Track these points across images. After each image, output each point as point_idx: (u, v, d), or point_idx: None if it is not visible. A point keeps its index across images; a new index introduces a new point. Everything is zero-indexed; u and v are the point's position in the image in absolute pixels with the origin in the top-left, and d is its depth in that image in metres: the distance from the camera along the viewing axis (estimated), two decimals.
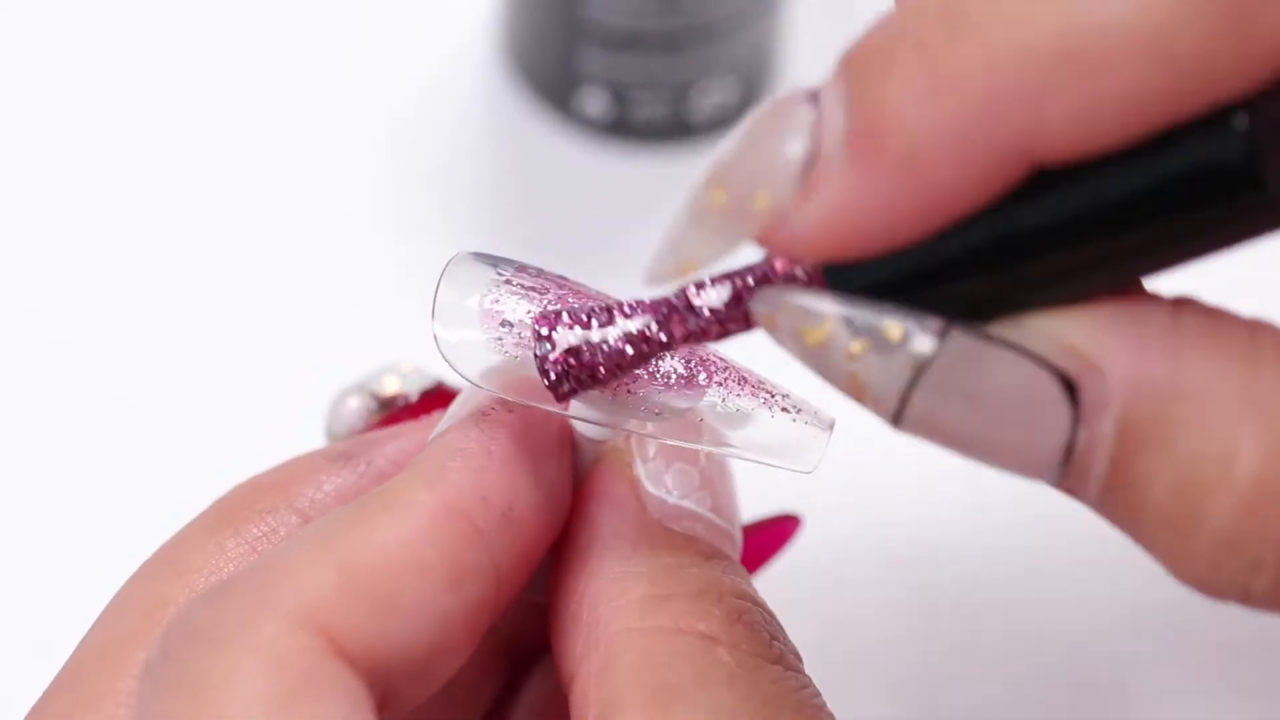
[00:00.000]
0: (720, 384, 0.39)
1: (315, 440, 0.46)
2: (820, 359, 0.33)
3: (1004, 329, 0.33)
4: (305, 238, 0.68)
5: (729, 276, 0.36)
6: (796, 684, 0.37)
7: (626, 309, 0.37)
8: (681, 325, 0.36)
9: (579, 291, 0.39)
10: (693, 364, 0.39)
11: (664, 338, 0.36)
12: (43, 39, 0.72)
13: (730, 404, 0.39)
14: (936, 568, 0.60)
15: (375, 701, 0.35)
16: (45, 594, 0.59)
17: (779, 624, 0.38)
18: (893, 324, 0.33)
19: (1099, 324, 0.32)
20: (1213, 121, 0.31)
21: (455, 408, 0.40)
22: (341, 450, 0.42)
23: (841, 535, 0.60)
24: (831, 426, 0.39)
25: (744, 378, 0.39)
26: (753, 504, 0.45)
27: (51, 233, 0.67)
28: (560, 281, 0.39)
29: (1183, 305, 0.33)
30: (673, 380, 0.38)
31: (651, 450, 0.40)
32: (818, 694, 0.37)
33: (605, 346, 0.37)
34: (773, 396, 0.39)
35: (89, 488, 0.61)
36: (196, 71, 0.72)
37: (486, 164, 0.70)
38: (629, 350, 0.37)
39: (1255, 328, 0.32)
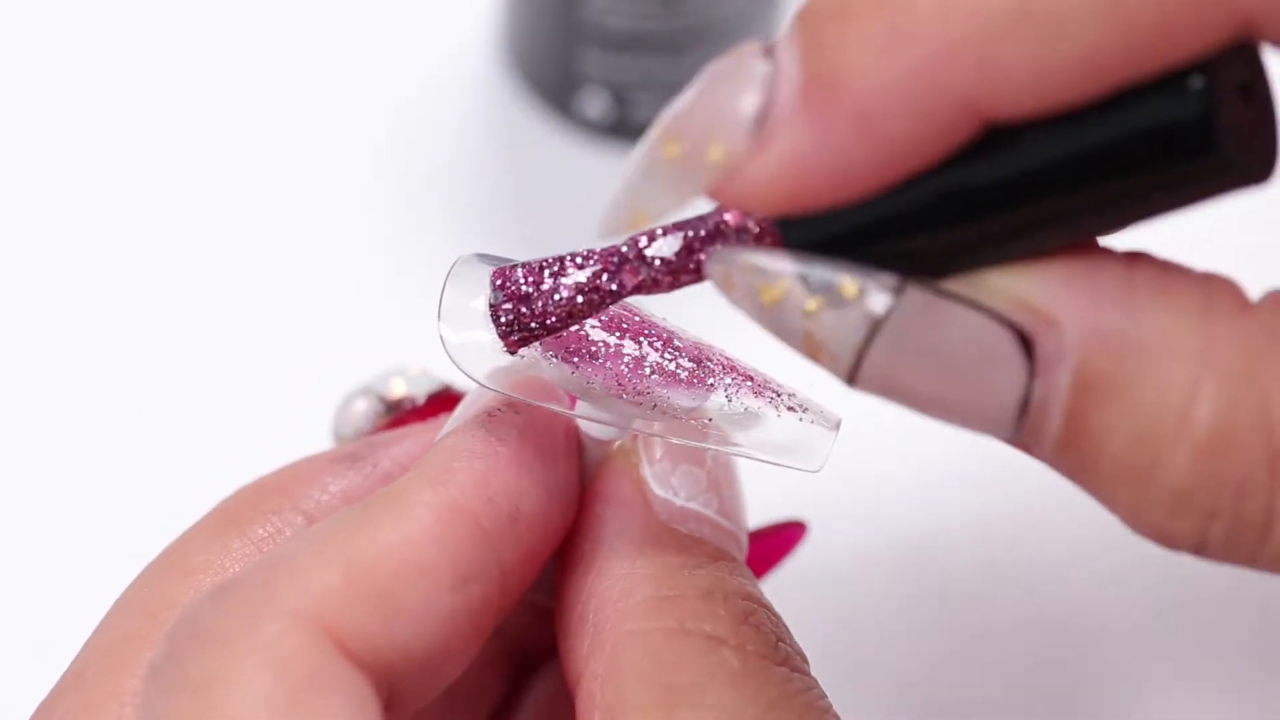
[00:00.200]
0: (727, 383, 0.39)
1: (318, 440, 0.46)
2: (775, 317, 0.34)
3: (959, 285, 0.33)
4: (305, 238, 0.67)
5: (680, 227, 0.36)
6: (802, 685, 0.37)
7: (578, 259, 0.37)
8: (633, 275, 0.36)
9: None
10: (700, 363, 0.39)
11: (614, 287, 0.37)
12: (42, 39, 0.72)
13: (737, 403, 0.39)
14: (940, 568, 0.60)
15: (381, 701, 0.35)
16: (49, 595, 0.59)
17: (785, 625, 0.38)
18: (848, 280, 0.33)
19: (1053, 278, 0.33)
20: (1169, 83, 0.31)
21: (461, 409, 0.40)
22: (347, 452, 0.42)
23: (845, 536, 0.60)
24: (838, 426, 0.39)
25: (750, 377, 0.39)
26: (759, 506, 0.45)
27: (49, 233, 0.67)
28: None
29: (1136, 259, 0.33)
30: (680, 380, 0.38)
31: (658, 452, 0.40)
32: (823, 695, 0.37)
33: (556, 295, 0.37)
34: (779, 396, 0.39)
35: (93, 489, 0.61)
36: (196, 71, 0.71)
37: (487, 165, 0.70)
38: (579, 299, 0.37)
39: (1208, 280, 0.33)
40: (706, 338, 0.46)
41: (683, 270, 0.36)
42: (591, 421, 0.39)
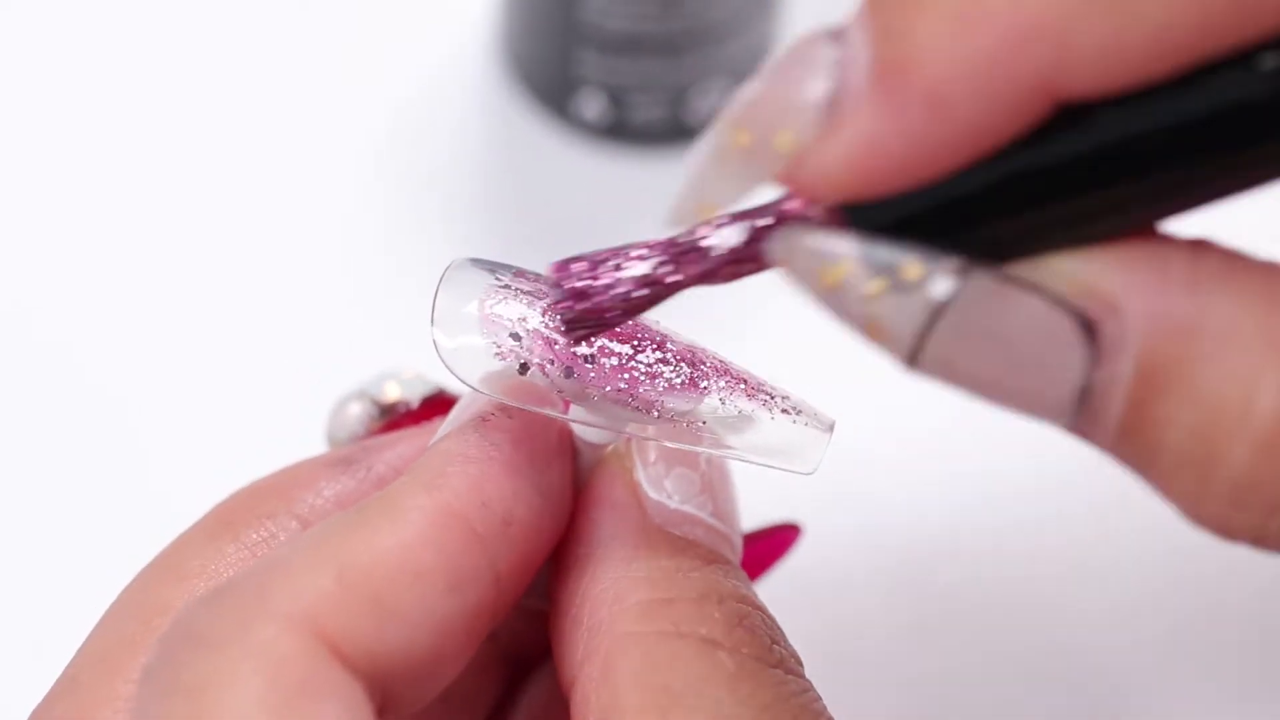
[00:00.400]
0: (721, 386, 0.39)
1: (314, 443, 0.46)
2: (836, 300, 0.33)
3: (1023, 269, 0.33)
4: (303, 240, 0.68)
5: (741, 216, 0.35)
6: (797, 687, 0.37)
7: (639, 251, 0.36)
8: (694, 265, 0.36)
9: None
10: (694, 367, 0.39)
11: (676, 279, 0.36)
12: (43, 39, 0.72)
13: (730, 406, 0.39)
14: (937, 570, 0.60)
15: (374, 706, 0.34)
16: (44, 597, 0.59)
17: (779, 628, 0.38)
18: (911, 263, 0.33)
19: (1118, 264, 0.32)
20: (1240, 62, 0.31)
21: (455, 413, 0.40)
22: (341, 456, 0.42)
23: (840, 538, 0.60)
24: (831, 428, 0.39)
25: (744, 380, 0.39)
26: (753, 508, 0.45)
27: (49, 233, 0.67)
28: None
29: (1201, 247, 0.32)
30: (674, 383, 0.38)
31: (652, 454, 0.40)
32: (818, 698, 0.37)
33: (615, 290, 0.36)
34: (773, 398, 0.39)
35: (92, 490, 0.61)
36: (196, 71, 0.72)
37: (485, 167, 0.70)
38: (640, 293, 0.36)
39: (1273, 269, 0.32)
40: (700, 340, 0.46)
41: (744, 259, 0.35)
42: (585, 425, 0.39)
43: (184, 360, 0.64)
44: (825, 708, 0.37)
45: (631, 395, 0.38)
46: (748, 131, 0.34)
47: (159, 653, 0.35)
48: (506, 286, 0.38)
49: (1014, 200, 0.33)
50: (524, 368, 0.38)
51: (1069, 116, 0.32)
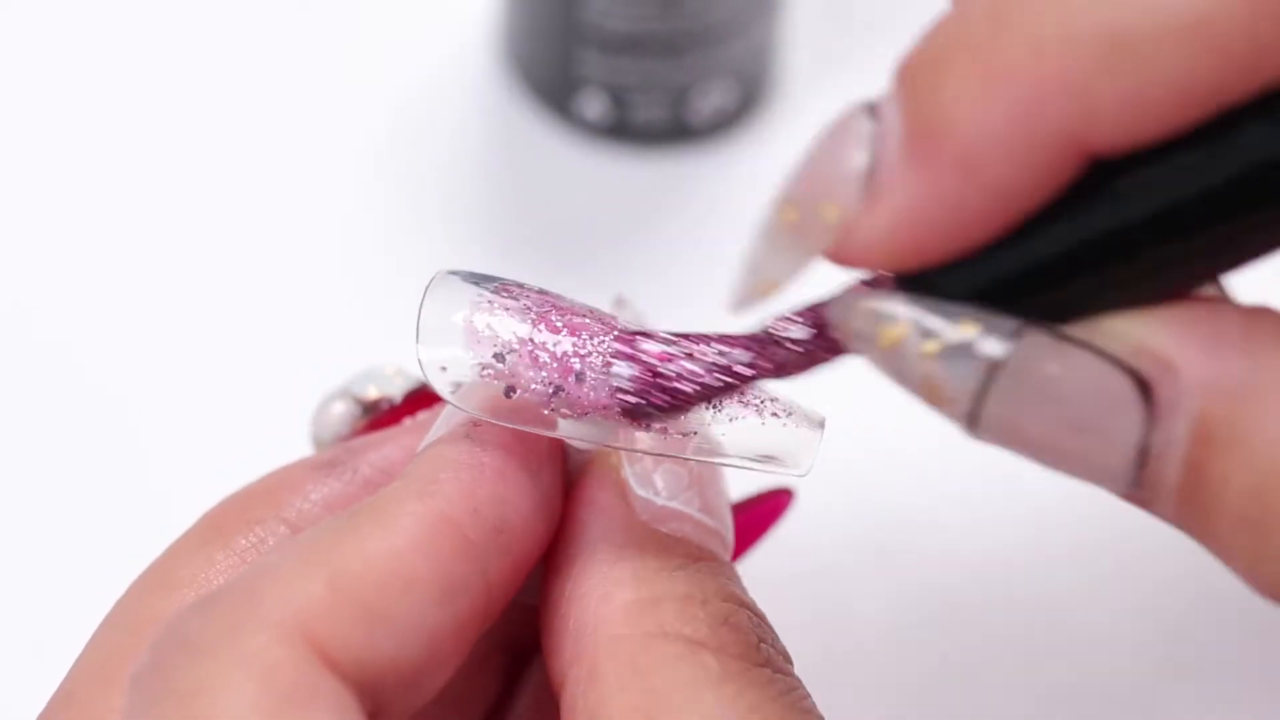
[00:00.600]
0: (709, 389, 0.38)
1: (311, 444, 0.46)
2: (894, 361, 0.34)
3: (1077, 330, 0.33)
4: (303, 240, 0.68)
5: (812, 309, 0.36)
6: (785, 686, 0.36)
7: (712, 346, 0.37)
8: (768, 360, 0.37)
9: (562, 307, 0.38)
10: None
11: (749, 373, 0.37)
12: (43, 39, 0.72)
13: (721, 414, 0.38)
14: (935, 567, 0.60)
15: (365, 713, 0.34)
16: (34, 600, 0.59)
17: (768, 626, 0.38)
18: (967, 324, 0.33)
19: (1173, 324, 0.32)
20: (1268, 112, 0.31)
21: (446, 416, 0.40)
22: (327, 459, 0.41)
23: (839, 533, 0.60)
24: (822, 425, 0.39)
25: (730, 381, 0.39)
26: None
27: (47, 232, 0.67)
28: (543, 298, 0.39)
29: (1258, 312, 0.33)
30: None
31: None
32: (807, 695, 0.37)
33: (688, 385, 0.37)
34: (763, 402, 0.39)
35: (91, 489, 0.61)
36: (195, 71, 0.72)
37: (485, 166, 0.70)
38: (712, 384, 0.37)
39: None
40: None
41: (818, 350, 0.36)
42: (576, 440, 0.39)
43: (184, 361, 0.64)
44: (814, 705, 0.37)
45: (621, 413, 0.38)
46: (796, 208, 0.34)
47: (150, 658, 0.35)
48: (490, 302, 0.38)
49: (1061, 265, 0.33)
50: (510, 390, 0.38)
51: (1104, 172, 0.32)
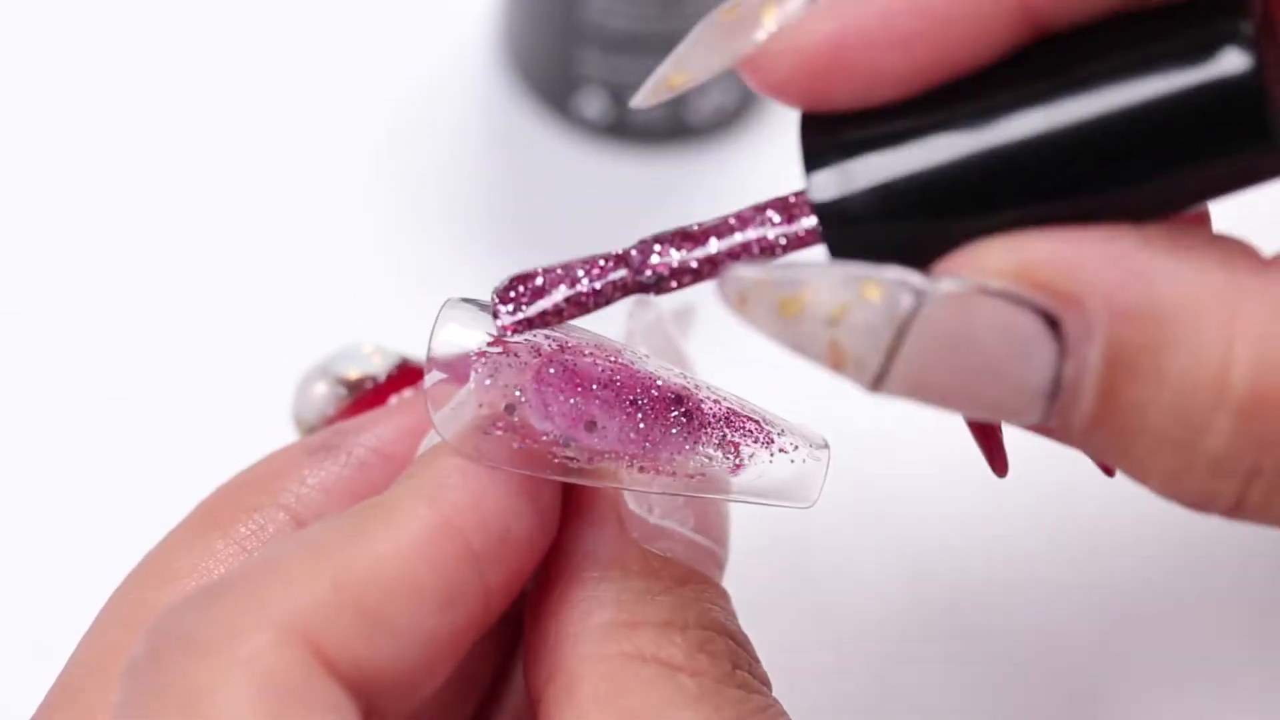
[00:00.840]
0: (716, 436, 0.38)
1: (294, 425, 0.46)
2: (797, 331, 0.33)
3: (979, 268, 0.33)
4: (304, 239, 0.68)
5: (686, 231, 0.36)
6: (761, 704, 0.37)
7: (585, 267, 0.37)
8: (641, 279, 0.36)
9: (568, 359, 0.38)
10: (690, 418, 0.38)
11: (622, 287, 0.37)
12: (43, 39, 0.72)
13: (728, 453, 0.38)
14: (935, 570, 0.60)
15: (360, 716, 0.34)
16: (42, 596, 0.59)
17: (748, 651, 0.38)
18: (871, 284, 0.33)
19: (1073, 255, 0.32)
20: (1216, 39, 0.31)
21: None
22: (320, 442, 0.41)
23: (841, 538, 0.60)
24: (827, 455, 0.39)
25: (737, 418, 0.38)
26: (751, 514, 0.45)
27: (49, 231, 0.67)
28: (549, 339, 0.38)
29: (1157, 231, 0.32)
30: (672, 439, 0.38)
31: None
32: (783, 713, 0.37)
33: (560, 303, 0.37)
34: (768, 436, 0.38)
35: (91, 488, 0.61)
36: (196, 71, 0.72)
37: (485, 165, 0.70)
38: (584, 301, 0.37)
39: (1224, 241, 0.32)
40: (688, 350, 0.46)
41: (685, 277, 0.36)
42: (585, 483, 0.39)
43: (184, 361, 0.64)
44: None
45: (634, 457, 0.38)
46: (736, 8, 0.34)
47: (147, 652, 0.35)
48: (500, 352, 0.38)
49: (967, 168, 0.32)
50: (521, 443, 0.37)
51: (1045, 52, 0.32)
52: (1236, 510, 0.33)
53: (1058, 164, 0.32)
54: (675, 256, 0.36)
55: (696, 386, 0.38)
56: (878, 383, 0.33)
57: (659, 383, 0.38)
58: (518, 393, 0.37)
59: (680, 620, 0.37)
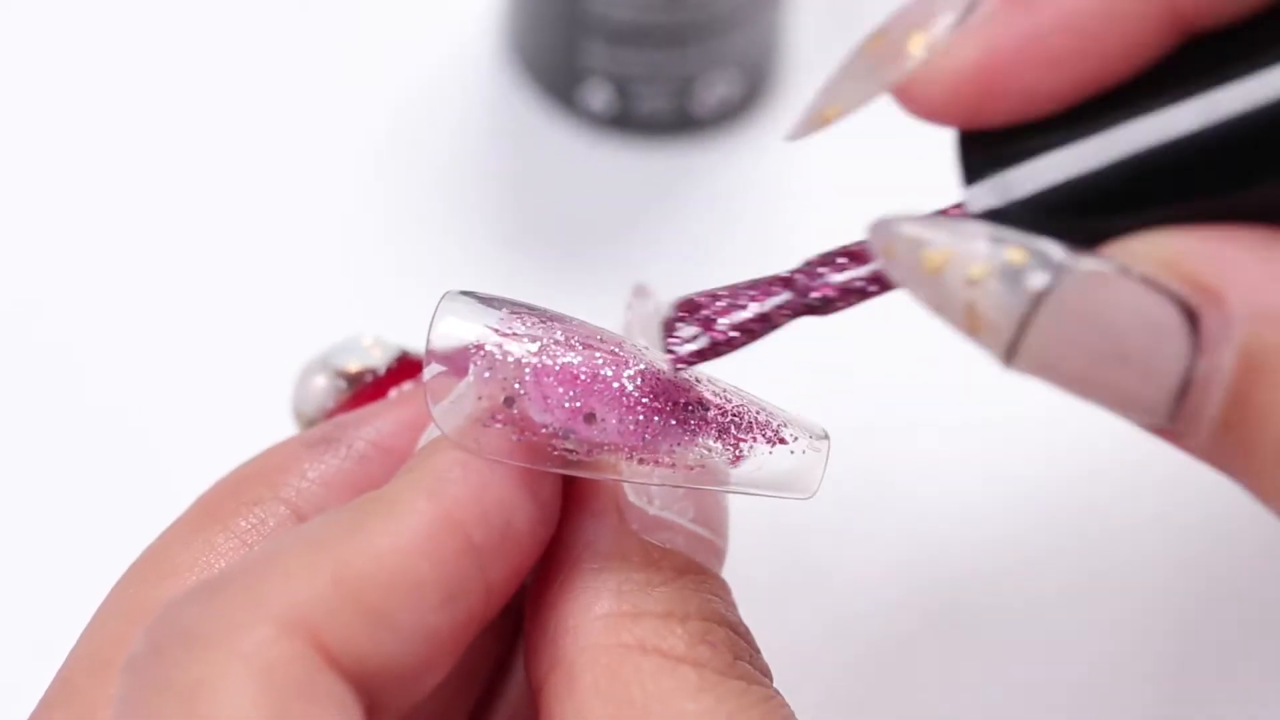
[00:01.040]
0: (716, 426, 0.38)
1: (293, 418, 0.46)
2: (936, 288, 0.33)
3: (1122, 254, 0.32)
4: (307, 236, 0.68)
5: (853, 248, 0.36)
6: (762, 695, 0.37)
7: (751, 293, 0.37)
8: (805, 297, 0.37)
9: (570, 340, 0.38)
10: (688, 408, 0.38)
11: (788, 313, 0.37)
12: (43, 39, 0.72)
13: (728, 444, 0.38)
14: (935, 563, 0.60)
15: (363, 711, 0.34)
16: (41, 596, 0.59)
17: (748, 642, 0.38)
18: (1014, 250, 0.32)
19: (1221, 253, 0.32)
20: None
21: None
22: (320, 435, 0.41)
23: (842, 529, 0.60)
24: (827, 446, 0.38)
25: (736, 408, 0.38)
26: (752, 506, 0.44)
27: (49, 231, 0.67)
28: (549, 330, 0.38)
29: None
30: (672, 430, 0.38)
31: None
32: (785, 705, 0.37)
33: (730, 332, 0.37)
34: (768, 426, 0.38)
35: (91, 487, 0.61)
36: (196, 71, 0.71)
37: (490, 158, 0.70)
38: (753, 329, 0.37)
39: None
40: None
41: (858, 288, 0.36)
42: (581, 475, 0.39)
43: (185, 356, 0.64)
44: (792, 714, 0.36)
45: (633, 449, 0.38)
46: (884, 37, 0.34)
47: (147, 647, 0.35)
48: (498, 345, 0.37)
49: (1118, 174, 0.32)
50: (520, 435, 0.37)
51: (1195, 57, 0.32)
52: None
53: (1210, 162, 0.32)
54: (841, 276, 0.36)
55: (696, 378, 0.38)
56: (1010, 354, 0.33)
57: (659, 374, 0.38)
58: (516, 385, 0.37)
59: (681, 611, 0.37)
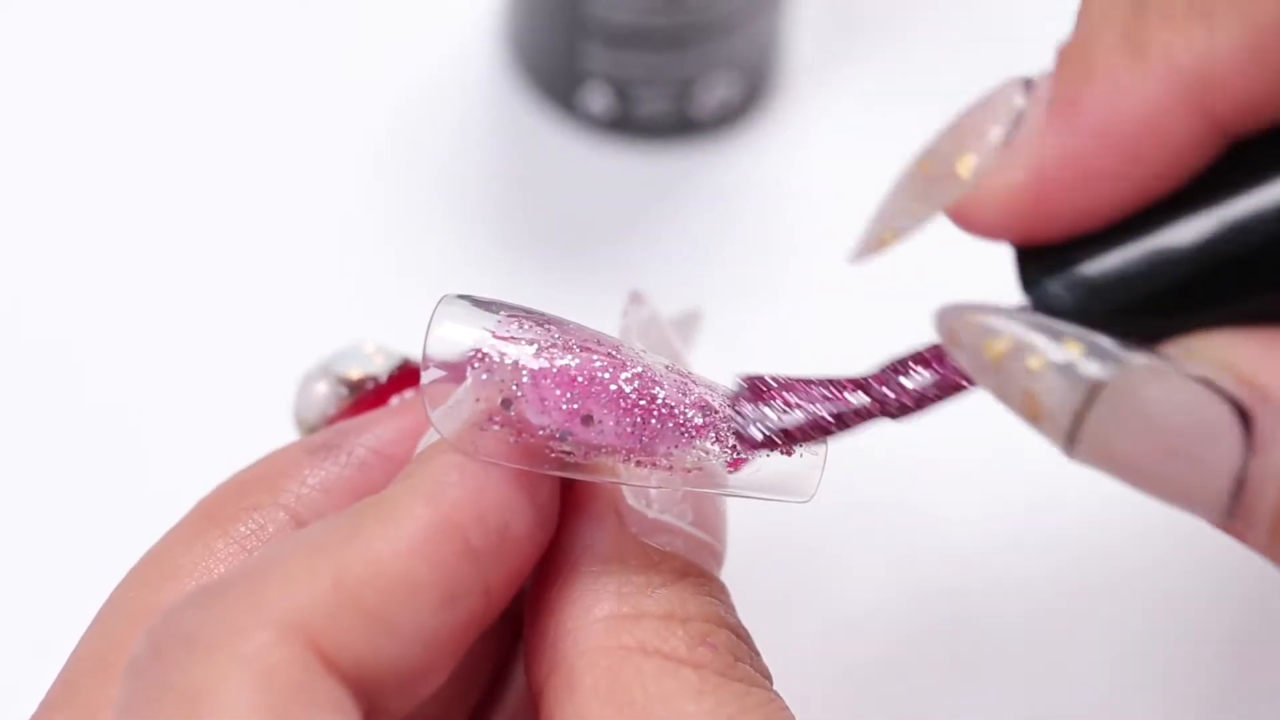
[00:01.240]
0: (715, 426, 0.38)
1: (294, 424, 0.46)
2: (998, 375, 0.34)
3: (1180, 353, 0.33)
4: (306, 238, 0.67)
5: (931, 349, 0.37)
6: (764, 698, 0.37)
7: (830, 387, 0.37)
8: (883, 401, 0.37)
9: (568, 341, 0.38)
10: (689, 408, 0.38)
11: (864, 416, 0.37)
12: (43, 39, 0.72)
13: (726, 447, 0.38)
14: (934, 566, 0.60)
15: (361, 715, 0.35)
16: (41, 596, 0.59)
17: (749, 645, 0.38)
18: (1071, 343, 0.33)
19: (1276, 351, 0.33)
20: None
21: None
22: (321, 442, 0.41)
23: (838, 533, 0.60)
24: (825, 451, 0.38)
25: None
26: (750, 512, 0.44)
27: (49, 231, 0.67)
28: (548, 333, 0.38)
29: None
30: (668, 431, 0.38)
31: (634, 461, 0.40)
32: (785, 708, 0.37)
33: (806, 424, 0.37)
34: None
35: (92, 486, 0.61)
36: (196, 71, 0.71)
37: (490, 161, 0.70)
38: (828, 423, 0.37)
39: None
40: (700, 349, 0.45)
41: (936, 392, 0.37)
42: (579, 477, 0.39)
43: (185, 361, 0.64)
44: (793, 717, 0.36)
45: (630, 452, 0.38)
46: (933, 160, 0.35)
47: (148, 649, 0.35)
48: (494, 346, 0.37)
49: (1177, 273, 0.33)
50: (518, 437, 0.37)
51: (1241, 160, 0.32)
52: None
53: (1257, 264, 0.33)
54: (915, 382, 0.37)
55: (695, 382, 0.38)
56: (1070, 444, 0.34)
57: (656, 377, 0.38)
58: (514, 387, 0.37)
59: (682, 613, 0.38)
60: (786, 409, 0.38)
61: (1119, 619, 0.59)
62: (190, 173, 0.69)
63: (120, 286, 0.66)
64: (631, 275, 0.66)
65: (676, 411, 0.38)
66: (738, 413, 0.38)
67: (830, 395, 0.37)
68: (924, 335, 0.37)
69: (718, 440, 0.38)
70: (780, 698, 0.37)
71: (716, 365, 0.43)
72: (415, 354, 0.44)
